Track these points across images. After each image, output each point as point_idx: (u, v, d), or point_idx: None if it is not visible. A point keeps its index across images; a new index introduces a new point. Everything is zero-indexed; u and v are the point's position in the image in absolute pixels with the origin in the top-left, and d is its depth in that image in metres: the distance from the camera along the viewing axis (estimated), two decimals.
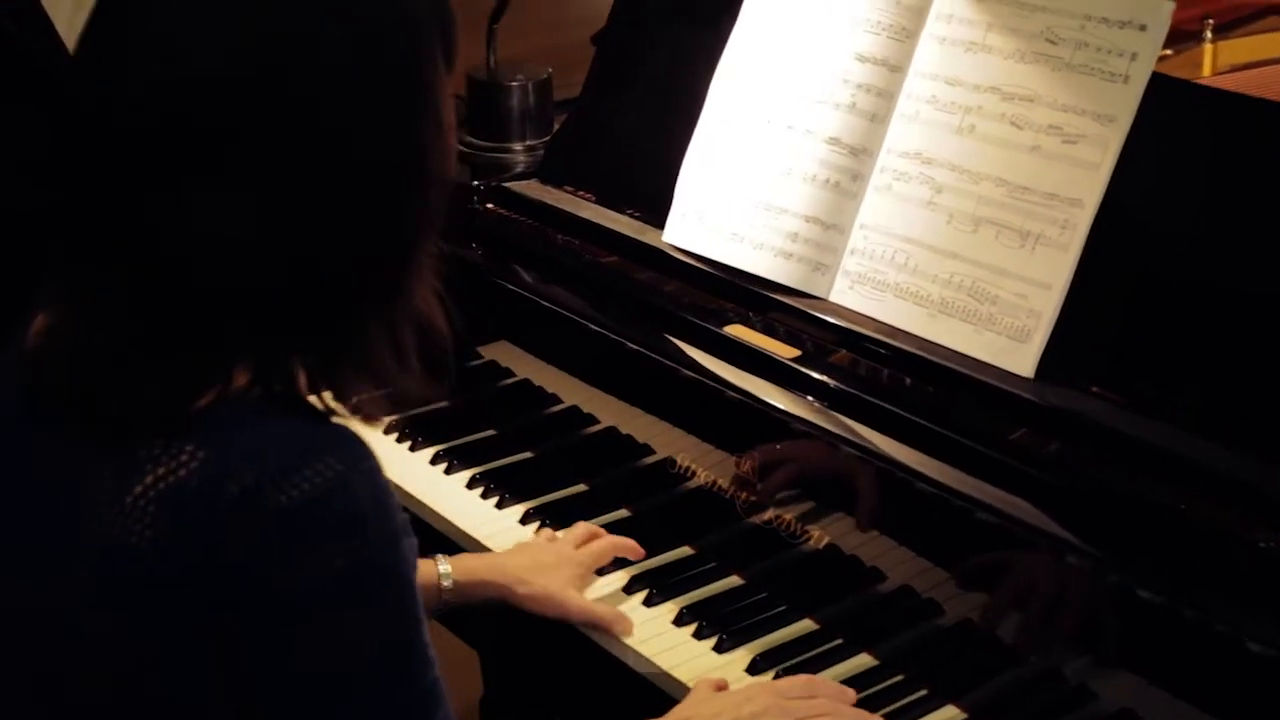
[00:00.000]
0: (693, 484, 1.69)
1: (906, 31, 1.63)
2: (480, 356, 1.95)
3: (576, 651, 1.57)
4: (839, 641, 1.52)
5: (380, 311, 1.08)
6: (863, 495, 1.52)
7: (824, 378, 1.55)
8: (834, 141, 1.65)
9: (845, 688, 1.44)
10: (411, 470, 1.84)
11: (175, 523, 1.01)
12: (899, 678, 1.47)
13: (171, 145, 1.01)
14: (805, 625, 1.56)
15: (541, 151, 2.02)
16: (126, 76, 1.03)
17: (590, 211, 1.86)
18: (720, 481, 1.65)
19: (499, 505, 1.77)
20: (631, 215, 1.83)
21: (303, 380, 1.07)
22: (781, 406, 1.56)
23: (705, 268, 1.72)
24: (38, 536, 1.08)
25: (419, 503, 1.78)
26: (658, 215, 1.77)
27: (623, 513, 1.75)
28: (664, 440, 1.72)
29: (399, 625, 1.06)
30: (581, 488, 1.80)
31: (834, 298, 1.63)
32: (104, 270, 1.05)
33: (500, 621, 1.63)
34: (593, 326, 1.75)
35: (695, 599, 1.60)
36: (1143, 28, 1.48)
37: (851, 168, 1.64)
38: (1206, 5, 2.27)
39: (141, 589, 1.03)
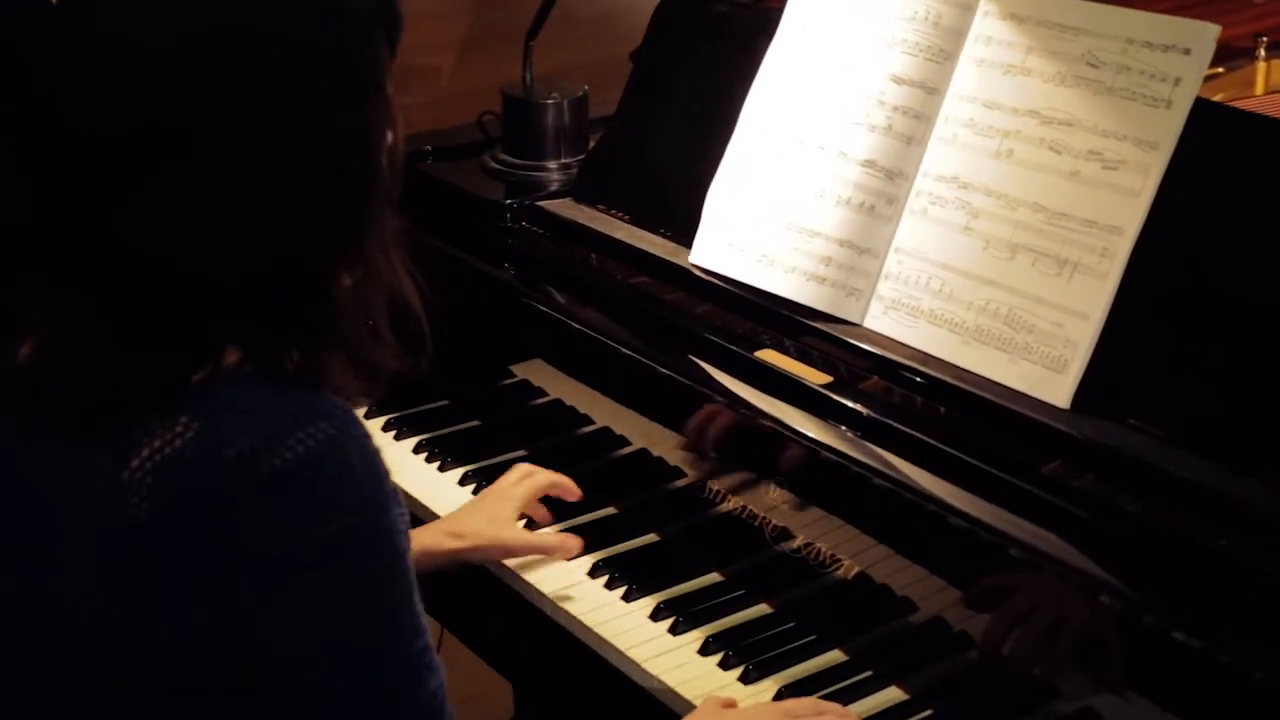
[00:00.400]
0: (722, 509, 1.66)
1: (945, 53, 1.61)
2: (513, 375, 1.94)
3: (600, 679, 1.55)
4: (868, 674, 1.50)
5: (349, 289, 1.12)
6: (894, 524, 1.50)
7: (856, 405, 1.53)
8: (869, 164, 1.63)
9: (849, 711, 1.43)
10: (440, 490, 1.82)
11: (173, 491, 1.04)
12: (928, 712, 1.45)
13: (129, 149, 1.04)
14: (834, 656, 1.53)
15: (576, 169, 2.01)
16: (78, 84, 1.05)
17: (624, 232, 1.84)
18: (750, 507, 1.63)
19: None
20: (665, 235, 1.81)
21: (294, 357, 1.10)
22: (813, 435, 1.53)
23: (738, 291, 1.70)
24: (38, 537, 1.10)
25: None
26: (691, 236, 1.75)
27: (651, 537, 1.73)
28: (695, 464, 1.70)
29: (391, 589, 1.09)
30: (611, 510, 1.78)
31: (868, 323, 1.61)
32: (84, 292, 1.08)
33: (534, 652, 1.61)
34: (624, 350, 1.73)
35: (721, 627, 1.57)
36: (1187, 51, 1.45)
37: (886, 191, 1.61)
38: (1259, 24, 2.23)
39: (141, 563, 1.05)
